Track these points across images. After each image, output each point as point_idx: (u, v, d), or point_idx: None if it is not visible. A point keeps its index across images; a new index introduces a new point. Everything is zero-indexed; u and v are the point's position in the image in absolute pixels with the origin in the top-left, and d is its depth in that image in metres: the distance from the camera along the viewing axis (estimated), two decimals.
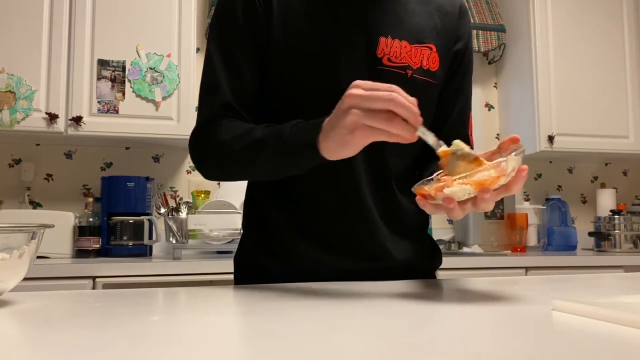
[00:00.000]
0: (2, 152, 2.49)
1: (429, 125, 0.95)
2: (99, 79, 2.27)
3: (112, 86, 2.28)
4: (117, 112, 2.27)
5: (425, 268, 1.08)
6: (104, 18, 2.29)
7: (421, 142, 1.06)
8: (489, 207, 0.71)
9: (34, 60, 2.21)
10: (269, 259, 1.00)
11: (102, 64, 2.28)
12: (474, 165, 0.72)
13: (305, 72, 0.96)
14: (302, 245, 0.97)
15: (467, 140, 1.09)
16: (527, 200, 3.02)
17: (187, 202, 2.26)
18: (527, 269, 2.30)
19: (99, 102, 2.26)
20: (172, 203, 2.30)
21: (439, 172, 0.79)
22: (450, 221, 2.96)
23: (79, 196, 2.53)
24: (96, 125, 2.25)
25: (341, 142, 0.75)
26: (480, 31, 2.91)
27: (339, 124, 0.74)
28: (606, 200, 2.95)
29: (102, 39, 2.28)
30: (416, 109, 0.71)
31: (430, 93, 1.01)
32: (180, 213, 2.19)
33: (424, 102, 0.98)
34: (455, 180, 0.68)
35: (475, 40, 2.90)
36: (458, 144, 0.73)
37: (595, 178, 3.21)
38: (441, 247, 3.14)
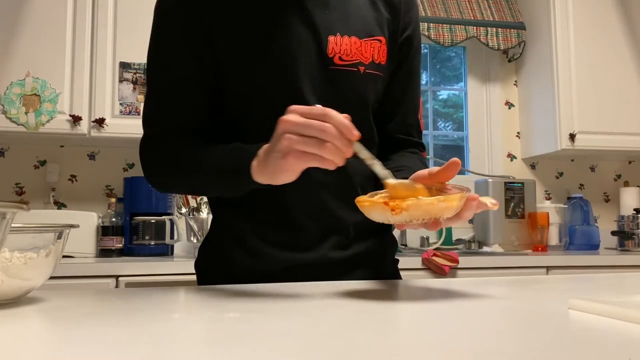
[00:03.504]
0: (28, 154, 2.55)
1: (377, 115, 1.00)
2: (120, 81, 2.31)
3: (134, 88, 2.31)
4: (138, 113, 2.30)
5: (386, 254, 1.07)
6: (126, 22, 2.32)
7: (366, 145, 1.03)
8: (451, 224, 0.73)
9: (58, 64, 2.26)
10: (239, 261, 0.98)
11: (124, 66, 2.32)
12: (416, 189, 0.74)
13: (256, 81, 0.94)
14: (268, 248, 0.96)
15: (417, 126, 1.10)
16: (549, 199, 2.98)
17: (207, 202, 2.28)
18: (548, 268, 2.28)
19: (120, 104, 2.30)
20: (192, 203, 2.33)
21: (380, 193, 0.78)
22: (470, 220, 2.94)
23: (102, 196, 2.57)
24: (118, 126, 2.28)
25: (275, 166, 0.74)
26: (499, 29, 2.89)
27: (274, 148, 0.73)
28: (630, 199, 2.91)
29: (123, 42, 2.32)
30: (350, 133, 0.69)
31: (379, 86, 1.01)
32: (200, 213, 2.22)
33: (373, 95, 1.01)
34: (405, 206, 0.68)
35: (494, 38, 2.88)
36: (390, 183, 0.74)
37: (619, 176, 3.16)
38: (461, 246, 3.07)
